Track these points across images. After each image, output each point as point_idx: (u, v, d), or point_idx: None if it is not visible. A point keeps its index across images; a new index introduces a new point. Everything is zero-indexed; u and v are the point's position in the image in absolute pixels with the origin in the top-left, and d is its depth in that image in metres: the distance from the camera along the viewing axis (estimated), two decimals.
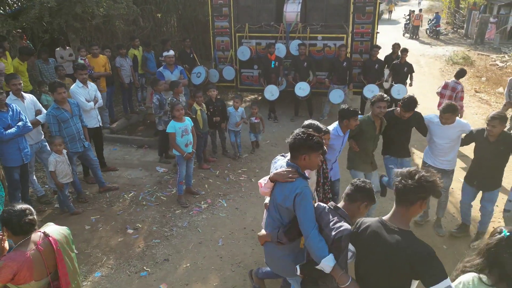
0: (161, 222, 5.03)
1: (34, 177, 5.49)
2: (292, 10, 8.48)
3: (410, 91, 8.74)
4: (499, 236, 1.95)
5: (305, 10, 8.61)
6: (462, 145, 4.44)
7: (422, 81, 12.15)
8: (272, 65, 8.21)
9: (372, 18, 8.25)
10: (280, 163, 2.96)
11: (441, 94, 7.33)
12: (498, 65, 14.55)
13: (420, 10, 24.91)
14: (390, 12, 32.30)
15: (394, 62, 8.41)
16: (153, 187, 5.95)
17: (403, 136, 4.61)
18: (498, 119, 3.85)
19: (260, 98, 10.56)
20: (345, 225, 2.40)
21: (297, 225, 2.60)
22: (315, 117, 8.58)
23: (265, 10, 8.81)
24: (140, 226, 4.95)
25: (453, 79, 7.30)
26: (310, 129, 3.19)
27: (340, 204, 2.54)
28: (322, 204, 2.69)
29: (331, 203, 2.61)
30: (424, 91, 11.12)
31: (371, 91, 7.90)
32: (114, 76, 8.36)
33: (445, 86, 7.27)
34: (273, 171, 2.87)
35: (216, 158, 6.90)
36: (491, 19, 19.82)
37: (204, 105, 6.38)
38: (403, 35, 22.79)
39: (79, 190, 5.52)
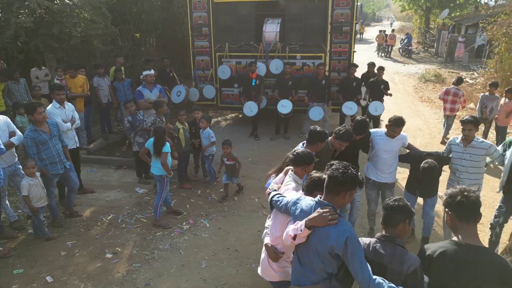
0: (142, 245, 4.86)
1: (7, 202, 5.23)
2: (271, 30, 8.64)
3: (387, 107, 8.98)
4: None
5: (283, 30, 8.79)
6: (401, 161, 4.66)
7: (397, 98, 12.50)
8: (253, 83, 8.28)
9: (349, 37, 8.48)
10: (304, 203, 2.50)
11: (444, 100, 8.47)
12: (468, 82, 15.16)
13: (393, 30, 25.90)
14: (361, 33, 33.20)
15: (371, 80, 8.64)
16: (132, 208, 5.78)
17: (355, 155, 4.68)
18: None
19: (241, 116, 10.59)
20: (411, 255, 2.24)
21: (347, 271, 2.31)
22: (295, 134, 8.69)
23: (244, 30, 8.94)
24: (119, 250, 4.77)
25: (453, 86, 8.46)
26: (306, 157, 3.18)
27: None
28: (365, 239, 2.44)
29: (378, 234, 2.40)
30: (401, 108, 11.44)
31: (349, 108, 8.06)
32: (92, 96, 8.22)
33: (447, 92, 8.41)
34: (298, 213, 2.48)
35: (198, 178, 6.80)
36: (460, 39, 20.80)
37: (186, 124, 6.33)
38: (378, 55, 23.53)
39: (56, 215, 5.30)
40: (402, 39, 25.14)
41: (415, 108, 11.70)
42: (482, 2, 24.40)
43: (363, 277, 2.17)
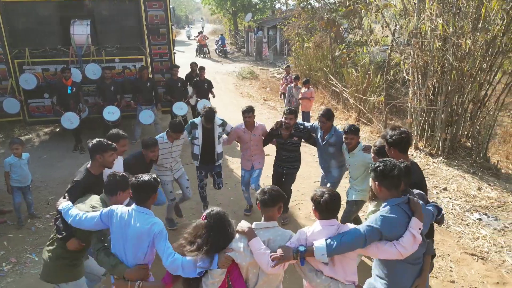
0: None
1: None
2: (80, 33, 7.90)
3: (213, 105, 9.48)
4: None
5: (96, 32, 8.18)
6: None
7: (221, 95, 13.36)
8: (69, 91, 7.43)
9: (167, 39, 8.55)
10: (388, 213, 2.42)
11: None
12: (276, 76, 17.46)
13: (201, 32, 27.18)
14: (174, 40, 33.10)
15: (195, 79, 8.95)
16: None
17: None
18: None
19: (58, 129, 9.38)
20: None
21: None
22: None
23: (47, 32, 7.92)
24: None
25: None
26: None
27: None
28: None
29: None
30: (225, 104, 12.28)
31: (180, 108, 8.17)
32: None
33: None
34: (388, 225, 2.38)
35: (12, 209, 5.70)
36: (264, 39, 23.63)
37: None
38: (196, 55, 24.46)
39: None
40: (216, 40, 26.85)
41: (237, 103, 12.72)
42: (277, 7, 28.25)
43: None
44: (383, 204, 2.50)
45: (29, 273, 4.30)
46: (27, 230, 5.18)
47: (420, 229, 2.36)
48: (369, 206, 3.09)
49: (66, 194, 3.08)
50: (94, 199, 2.96)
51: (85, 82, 7.95)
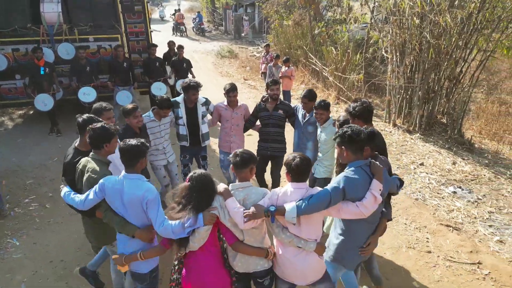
0: None
1: None
2: (51, 10, 7.52)
3: None
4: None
5: (67, 10, 7.82)
6: None
7: (199, 74, 13.14)
8: (42, 72, 7.15)
9: (143, 17, 8.28)
10: (349, 176, 2.61)
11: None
12: (255, 55, 17.28)
13: (179, 10, 26.42)
14: (149, 18, 32.03)
15: (173, 59, 8.76)
16: None
17: None
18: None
19: (32, 112, 9.07)
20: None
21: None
22: None
23: (16, 11, 7.52)
24: None
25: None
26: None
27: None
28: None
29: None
30: (204, 83, 12.06)
31: (158, 88, 8.00)
32: None
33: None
34: (353, 187, 2.57)
35: None
36: (244, 17, 23.21)
37: None
38: (173, 34, 23.85)
39: None
40: (193, 18, 26.17)
41: (217, 83, 12.61)
42: None
43: None
44: (347, 167, 2.67)
45: (11, 258, 4.24)
46: (5, 215, 5.07)
47: (380, 190, 2.58)
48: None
49: (63, 179, 3.11)
50: (90, 170, 2.86)
51: (58, 63, 7.65)
